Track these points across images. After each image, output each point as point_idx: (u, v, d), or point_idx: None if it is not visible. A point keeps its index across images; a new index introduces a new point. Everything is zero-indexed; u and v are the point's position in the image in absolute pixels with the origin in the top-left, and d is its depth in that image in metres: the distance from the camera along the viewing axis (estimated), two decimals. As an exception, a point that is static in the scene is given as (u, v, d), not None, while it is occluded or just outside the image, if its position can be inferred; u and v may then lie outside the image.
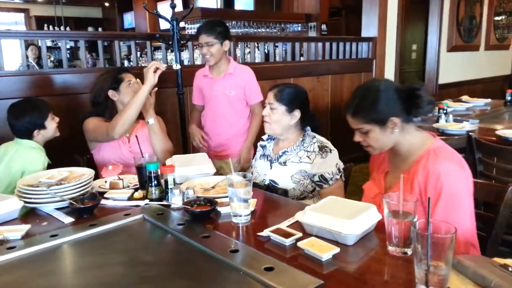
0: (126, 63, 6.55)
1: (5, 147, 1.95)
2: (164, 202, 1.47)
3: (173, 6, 2.77)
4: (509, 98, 3.78)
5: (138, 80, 2.12)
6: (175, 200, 1.45)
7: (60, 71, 2.86)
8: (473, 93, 5.22)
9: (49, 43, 8.60)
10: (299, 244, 1.12)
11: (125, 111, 1.94)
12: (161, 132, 2.13)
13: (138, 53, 7.12)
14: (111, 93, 2.10)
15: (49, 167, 1.87)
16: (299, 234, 1.17)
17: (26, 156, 1.89)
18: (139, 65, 3.76)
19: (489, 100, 4.11)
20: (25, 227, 1.26)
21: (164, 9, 8.46)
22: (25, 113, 1.92)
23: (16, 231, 1.24)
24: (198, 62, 3.96)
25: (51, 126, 1.98)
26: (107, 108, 2.12)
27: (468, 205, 1.30)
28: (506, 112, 3.63)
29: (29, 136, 1.94)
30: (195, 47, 3.44)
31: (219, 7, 7.14)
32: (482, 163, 2.45)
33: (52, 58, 8.93)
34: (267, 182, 1.84)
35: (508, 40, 7.26)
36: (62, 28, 9.43)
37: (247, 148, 2.51)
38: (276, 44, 4.64)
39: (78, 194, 1.47)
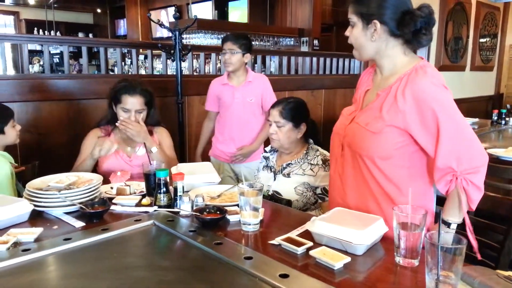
0: (116, 70, 6.55)
1: None
2: (173, 209, 1.49)
3: (176, 17, 2.83)
4: (495, 118, 3.92)
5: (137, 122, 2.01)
6: (184, 207, 1.48)
7: (54, 76, 2.87)
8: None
9: (38, 47, 8.53)
10: (311, 252, 1.16)
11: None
12: (165, 155, 2.09)
13: (129, 61, 7.17)
14: (113, 105, 2.09)
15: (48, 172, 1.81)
16: (310, 243, 1.21)
17: None
18: (129, 72, 3.78)
19: (476, 119, 4.25)
20: (37, 230, 1.27)
21: (156, 16, 8.50)
22: None
23: (29, 234, 1.24)
24: (197, 72, 4.00)
25: (10, 133, 1.90)
26: (110, 114, 2.10)
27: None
28: (493, 131, 3.77)
29: None
30: (194, 56, 3.49)
31: (213, 18, 7.21)
32: (473, 180, 2.53)
33: (41, 63, 8.85)
34: (270, 192, 1.88)
35: (492, 62, 7.52)
36: (52, 32, 9.35)
37: (252, 148, 2.66)
38: (273, 57, 4.72)
39: (87, 198, 1.49)
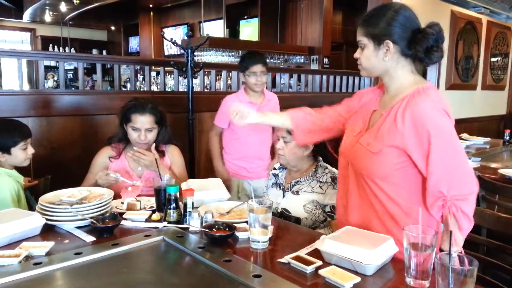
0: (128, 86, 6.66)
1: None
2: (182, 225, 1.50)
3: (189, 36, 2.88)
4: (507, 137, 3.88)
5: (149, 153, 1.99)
6: (194, 223, 1.48)
7: (68, 92, 2.93)
8: (470, 131, 5.34)
9: (53, 63, 8.73)
10: (321, 272, 1.15)
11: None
12: (176, 179, 2.04)
13: (141, 77, 7.29)
14: (123, 124, 2.09)
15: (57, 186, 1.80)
16: (319, 262, 1.20)
17: None
18: (141, 88, 3.85)
19: (488, 138, 4.21)
20: (49, 244, 1.28)
21: (169, 34, 8.66)
22: None
23: (41, 248, 1.26)
24: (208, 88, 4.05)
25: (19, 155, 1.82)
26: (121, 132, 2.11)
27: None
28: (505, 151, 3.73)
29: None
30: (205, 73, 3.54)
31: (225, 36, 7.33)
32: (485, 200, 2.51)
33: (55, 78, 9.04)
34: (279, 210, 1.88)
35: (503, 81, 7.48)
36: (67, 49, 9.58)
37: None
38: (283, 75, 4.76)
39: (98, 213, 1.50)
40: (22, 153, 1.83)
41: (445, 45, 6.26)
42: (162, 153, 2.14)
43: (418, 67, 1.41)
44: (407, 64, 1.37)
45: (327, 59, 6.67)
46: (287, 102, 3.96)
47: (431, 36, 1.29)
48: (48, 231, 1.46)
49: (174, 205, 1.55)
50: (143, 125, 2.01)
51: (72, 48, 9.88)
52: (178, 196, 1.57)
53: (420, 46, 1.31)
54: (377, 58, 1.36)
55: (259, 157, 2.75)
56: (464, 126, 6.36)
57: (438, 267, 0.96)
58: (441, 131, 1.26)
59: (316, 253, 1.27)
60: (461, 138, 4.26)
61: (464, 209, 1.26)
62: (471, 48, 6.57)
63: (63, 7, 8.01)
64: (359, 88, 5.01)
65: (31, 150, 1.87)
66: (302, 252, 1.29)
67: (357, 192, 1.44)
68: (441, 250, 1.30)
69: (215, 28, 7.73)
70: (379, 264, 1.18)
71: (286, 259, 1.23)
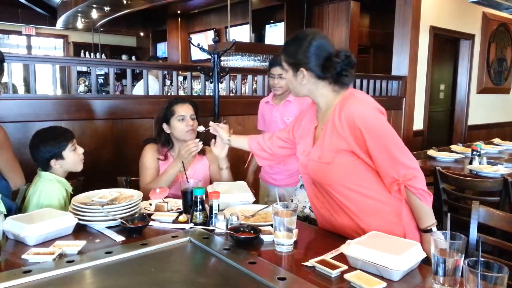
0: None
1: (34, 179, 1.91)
2: (208, 227, 1.53)
3: (215, 41, 2.92)
4: (542, 143, 3.74)
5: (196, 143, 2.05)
6: (219, 225, 1.50)
7: (99, 96, 3.02)
8: (503, 135, 5.18)
9: (84, 68, 9.02)
10: (346, 276, 1.15)
11: (158, 183, 2.01)
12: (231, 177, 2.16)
13: (169, 82, 7.44)
14: (164, 126, 2.18)
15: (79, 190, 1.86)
16: (345, 267, 1.20)
17: (42, 188, 1.82)
18: (168, 93, 3.92)
19: (521, 143, 4.07)
20: (81, 243, 1.33)
21: (196, 40, 8.79)
22: (42, 142, 1.84)
23: (73, 246, 1.31)
24: (234, 92, 4.09)
25: (70, 157, 1.88)
26: (163, 137, 2.19)
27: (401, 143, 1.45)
28: (540, 157, 3.59)
29: (47, 167, 1.86)
30: (231, 78, 3.58)
31: (250, 41, 7.37)
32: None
33: (86, 83, 9.34)
34: (306, 210, 1.88)
35: (538, 84, 7.21)
36: (98, 54, 9.87)
37: None
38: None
39: (128, 214, 1.55)
40: (74, 155, 1.90)
41: (477, 49, 6.13)
42: (202, 153, 2.23)
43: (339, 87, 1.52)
44: (326, 85, 1.51)
45: (353, 62, 6.61)
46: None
47: (338, 64, 1.45)
48: (80, 231, 1.51)
49: (201, 207, 1.58)
50: (187, 112, 2.16)
51: (103, 54, 10.17)
52: (204, 198, 1.60)
53: (330, 72, 1.47)
54: (296, 82, 1.53)
55: (285, 163, 2.62)
56: (496, 131, 6.17)
57: (466, 273, 0.94)
58: (370, 125, 1.41)
59: (341, 258, 1.27)
60: (493, 143, 4.13)
61: (417, 185, 1.41)
62: (504, 50, 6.38)
63: (94, 14, 8.27)
64: (387, 92, 4.94)
65: (80, 150, 1.94)
66: (327, 256, 1.29)
67: (333, 201, 1.54)
68: (424, 231, 1.47)
69: (241, 33, 7.79)
70: (406, 269, 1.16)
71: (311, 262, 1.23)
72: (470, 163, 3.02)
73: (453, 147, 3.91)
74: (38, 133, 1.90)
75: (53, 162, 1.85)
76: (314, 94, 1.54)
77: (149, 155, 2.17)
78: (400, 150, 1.43)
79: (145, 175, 2.15)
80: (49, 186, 1.83)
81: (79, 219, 1.50)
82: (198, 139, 2.07)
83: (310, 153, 1.56)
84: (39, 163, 1.88)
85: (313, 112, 1.64)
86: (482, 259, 0.95)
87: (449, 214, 1.16)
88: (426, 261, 1.24)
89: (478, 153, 3.05)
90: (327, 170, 1.49)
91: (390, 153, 1.41)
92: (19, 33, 9.65)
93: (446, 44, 6.05)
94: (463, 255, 1.09)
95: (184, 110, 2.16)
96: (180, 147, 2.06)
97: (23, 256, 1.25)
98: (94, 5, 7.59)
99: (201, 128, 2.05)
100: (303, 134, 1.66)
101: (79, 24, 9.44)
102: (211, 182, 2.22)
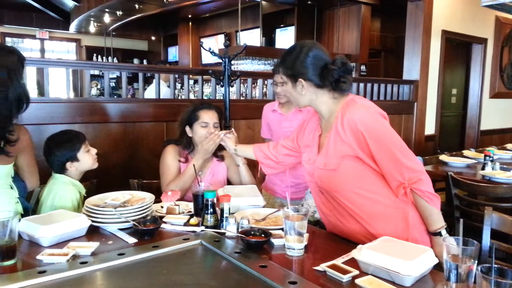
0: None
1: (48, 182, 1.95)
2: (219, 230, 1.53)
3: (226, 45, 2.94)
4: (557, 148, 3.68)
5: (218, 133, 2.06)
6: (230, 228, 1.51)
7: (112, 100, 3.04)
8: (516, 141, 5.11)
9: (97, 72, 9.13)
10: (357, 281, 1.14)
11: (178, 184, 2.04)
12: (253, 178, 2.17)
13: (179, 85, 7.50)
14: (187, 129, 2.17)
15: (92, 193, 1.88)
16: (356, 272, 1.20)
17: (57, 191, 1.85)
18: (179, 96, 3.95)
19: (536, 149, 4.01)
20: (94, 244, 1.35)
21: (207, 44, 8.85)
22: (57, 146, 1.89)
23: (87, 248, 1.33)
24: (244, 96, 4.10)
25: (85, 158, 1.93)
26: (185, 139, 2.19)
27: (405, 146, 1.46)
28: (554, 162, 3.53)
29: (63, 170, 1.91)
30: (241, 82, 3.59)
31: (261, 45, 7.39)
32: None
33: (99, 86, 9.46)
34: (317, 214, 1.88)
35: (552, 89, 7.10)
36: (110, 58, 9.99)
37: None
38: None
39: (140, 216, 1.56)
40: (88, 155, 1.95)
41: (489, 53, 6.07)
42: (221, 158, 2.24)
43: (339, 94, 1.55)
44: (326, 93, 1.53)
45: (364, 66, 6.59)
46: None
47: (335, 71, 1.48)
48: (93, 232, 1.53)
49: (212, 210, 1.59)
50: (211, 119, 2.15)
51: (115, 58, 10.29)
52: (215, 201, 1.61)
53: (328, 80, 1.49)
54: (296, 93, 1.56)
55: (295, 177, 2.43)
56: (510, 136, 6.09)
57: (479, 280, 0.94)
58: (372, 129, 1.43)
59: (353, 262, 1.27)
60: (506, 149, 4.08)
61: (423, 188, 1.42)
62: (517, 54, 6.30)
63: (107, 18, 8.39)
64: (397, 96, 4.92)
65: (93, 150, 1.99)
66: (338, 261, 1.29)
67: (340, 207, 1.55)
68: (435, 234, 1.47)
69: (252, 37, 7.82)
70: (418, 275, 1.16)
71: (322, 267, 1.23)
72: (483, 168, 2.99)
73: (465, 152, 3.87)
74: (51, 138, 1.94)
75: (68, 164, 1.89)
76: (315, 103, 1.56)
77: (171, 156, 2.17)
78: (404, 153, 1.44)
79: (167, 174, 2.14)
80: (63, 188, 1.86)
81: (92, 221, 1.52)
82: (220, 131, 2.08)
83: (316, 161, 1.58)
84: (55, 167, 1.91)
85: (317, 121, 1.66)
86: (496, 266, 0.94)
87: (461, 220, 1.15)
88: (438, 267, 1.23)
89: (491, 159, 3.02)
90: (333, 176, 1.51)
91: (394, 156, 1.42)
92: (33, 37, 9.83)
93: (458, 48, 6.00)
94: (476, 261, 1.09)
95: (209, 117, 2.15)
96: (202, 142, 2.06)
97: (37, 257, 1.27)
98: (107, 10, 7.70)
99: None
100: (307, 143, 1.68)
101: (92, 28, 9.57)
102: None
